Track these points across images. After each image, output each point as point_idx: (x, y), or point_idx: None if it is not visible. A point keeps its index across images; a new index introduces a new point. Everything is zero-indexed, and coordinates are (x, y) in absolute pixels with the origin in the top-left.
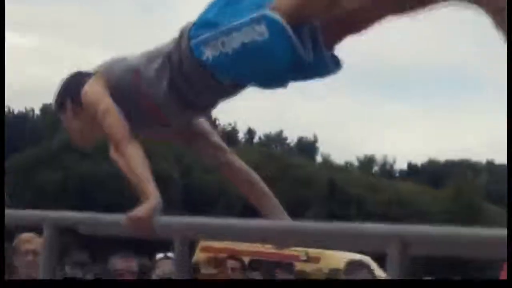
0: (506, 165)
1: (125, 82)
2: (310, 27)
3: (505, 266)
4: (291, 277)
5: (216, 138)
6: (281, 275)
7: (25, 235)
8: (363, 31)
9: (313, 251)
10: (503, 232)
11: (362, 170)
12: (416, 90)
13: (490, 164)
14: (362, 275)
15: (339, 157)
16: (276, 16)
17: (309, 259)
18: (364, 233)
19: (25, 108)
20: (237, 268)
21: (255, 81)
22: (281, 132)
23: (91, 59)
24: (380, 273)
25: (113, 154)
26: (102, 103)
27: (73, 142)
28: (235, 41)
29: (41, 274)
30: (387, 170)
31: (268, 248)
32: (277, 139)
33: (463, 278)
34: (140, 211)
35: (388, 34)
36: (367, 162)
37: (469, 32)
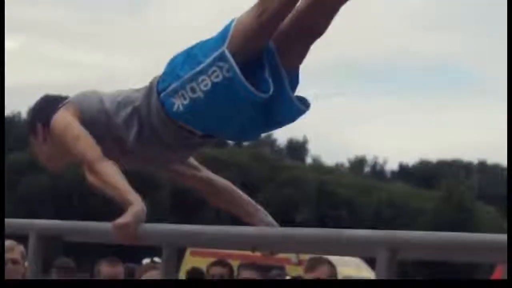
0: (506, 166)
1: (97, 122)
2: (270, 60)
3: (499, 268)
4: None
5: (190, 159)
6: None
7: (7, 244)
8: (324, 29)
9: (304, 255)
10: (491, 236)
11: (352, 172)
12: (407, 88)
13: (482, 164)
14: (323, 271)
15: (329, 159)
16: (230, 59)
17: (300, 263)
18: (352, 239)
19: (12, 112)
20: (224, 275)
21: (226, 129)
22: (270, 133)
23: (78, 59)
24: (369, 275)
25: (89, 177)
26: (72, 130)
27: (42, 165)
28: (204, 83)
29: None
30: (378, 171)
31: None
32: (266, 140)
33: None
34: (124, 218)
35: (377, 24)
36: (358, 163)
37: (463, 25)
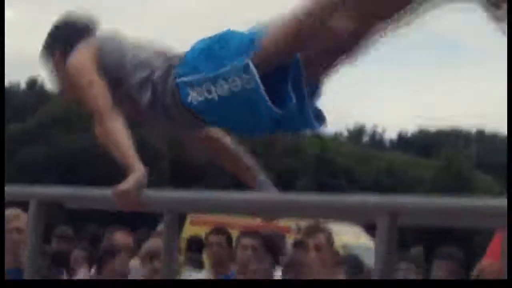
0: (506, 135)
1: (115, 71)
2: (294, 76)
3: (499, 234)
4: (283, 247)
5: None
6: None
7: (13, 212)
8: (356, 54)
9: (304, 223)
10: (490, 201)
11: (351, 141)
12: (407, 57)
13: (480, 133)
14: (321, 237)
15: (328, 127)
16: (253, 71)
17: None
18: (353, 205)
19: (10, 82)
20: (222, 243)
21: (239, 128)
22: None
23: None
24: (368, 242)
25: (97, 129)
26: (87, 73)
27: (58, 88)
28: (223, 89)
29: (27, 249)
30: (377, 140)
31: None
32: None
33: (451, 247)
34: (124, 184)
35: None
36: (357, 132)
37: None
